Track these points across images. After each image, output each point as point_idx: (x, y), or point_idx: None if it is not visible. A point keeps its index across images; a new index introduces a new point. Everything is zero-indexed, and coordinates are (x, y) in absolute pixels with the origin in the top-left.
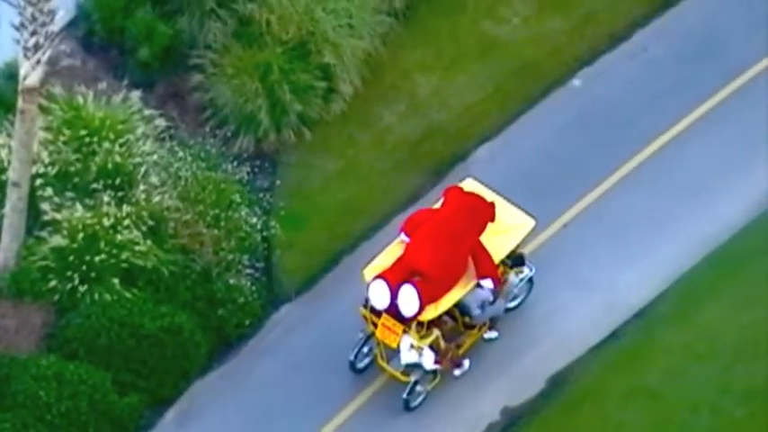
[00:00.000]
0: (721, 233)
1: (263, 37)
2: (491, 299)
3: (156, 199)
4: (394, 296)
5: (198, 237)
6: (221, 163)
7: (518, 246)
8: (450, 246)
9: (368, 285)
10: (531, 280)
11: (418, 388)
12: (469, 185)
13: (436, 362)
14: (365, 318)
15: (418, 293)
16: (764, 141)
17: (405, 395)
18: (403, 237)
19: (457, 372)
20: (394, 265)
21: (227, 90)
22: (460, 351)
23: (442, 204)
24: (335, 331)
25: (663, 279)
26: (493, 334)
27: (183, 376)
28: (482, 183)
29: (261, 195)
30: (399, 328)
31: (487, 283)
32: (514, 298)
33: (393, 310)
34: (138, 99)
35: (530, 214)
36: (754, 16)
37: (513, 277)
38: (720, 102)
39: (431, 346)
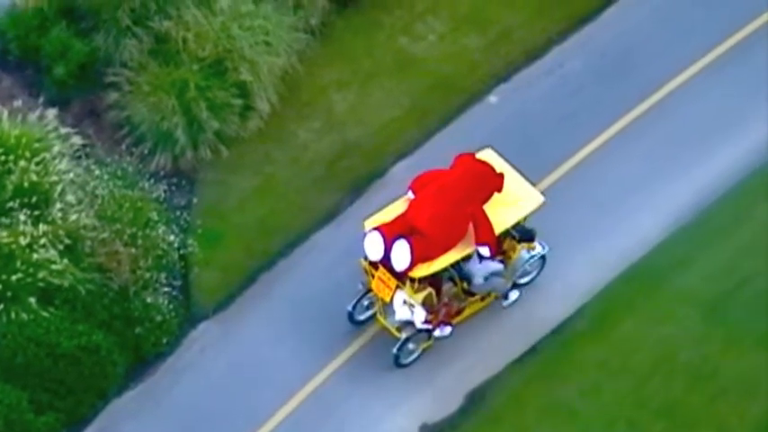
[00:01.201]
0: (637, 248)
1: (180, 54)
2: (495, 271)
3: (73, 218)
4: (388, 249)
5: (115, 255)
6: (138, 181)
7: (524, 219)
8: (452, 208)
9: (364, 236)
10: (543, 258)
11: (410, 345)
12: (486, 155)
13: (427, 321)
14: (365, 270)
15: (411, 249)
16: (680, 156)
17: (395, 350)
18: (409, 194)
19: (437, 332)
20: (394, 219)
21: (143, 108)
22: (458, 318)
23: (451, 168)
24: (253, 348)
25: (580, 294)
26: (514, 295)
27: (101, 395)
28: (500, 155)
29: (178, 213)
30: (393, 282)
31: (484, 251)
32: (526, 274)
33: (389, 264)
34: (55, 117)
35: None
36: (669, 33)
37: (524, 253)
38: (637, 117)
39: (424, 305)
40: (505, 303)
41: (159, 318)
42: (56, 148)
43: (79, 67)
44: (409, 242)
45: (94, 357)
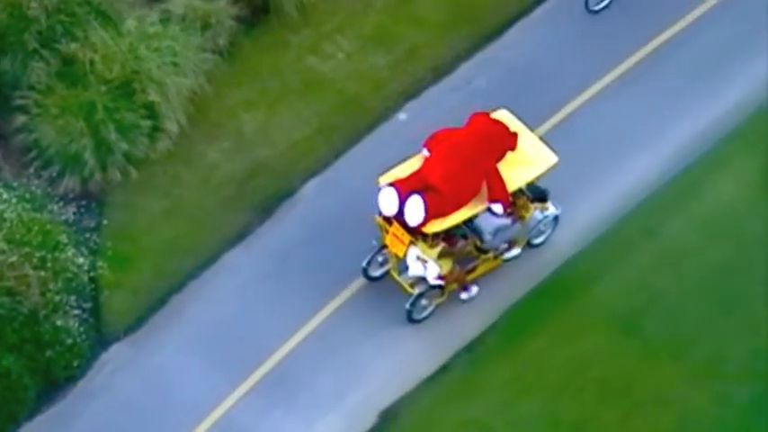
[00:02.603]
0: (549, 263)
1: (87, 76)
2: (506, 225)
3: None
4: (402, 205)
5: (24, 278)
6: (47, 204)
7: (538, 178)
8: (465, 166)
9: (379, 191)
10: (556, 218)
11: (423, 302)
12: (501, 115)
13: (440, 277)
14: (379, 226)
15: (425, 205)
16: (591, 171)
17: (407, 306)
18: (424, 152)
19: (464, 295)
20: (409, 175)
21: (51, 130)
22: (471, 276)
23: (466, 126)
24: (165, 370)
25: (492, 311)
26: (515, 251)
27: (11, 419)
28: (516, 115)
29: (87, 236)
30: (407, 238)
31: (497, 208)
32: (540, 234)
33: (402, 220)
34: None
35: (554, 151)
36: (573, 52)
37: (537, 213)
38: (544, 134)
39: (439, 259)
40: (507, 256)
41: (70, 341)
42: None
43: None
44: (423, 198)
45: (5, 381)
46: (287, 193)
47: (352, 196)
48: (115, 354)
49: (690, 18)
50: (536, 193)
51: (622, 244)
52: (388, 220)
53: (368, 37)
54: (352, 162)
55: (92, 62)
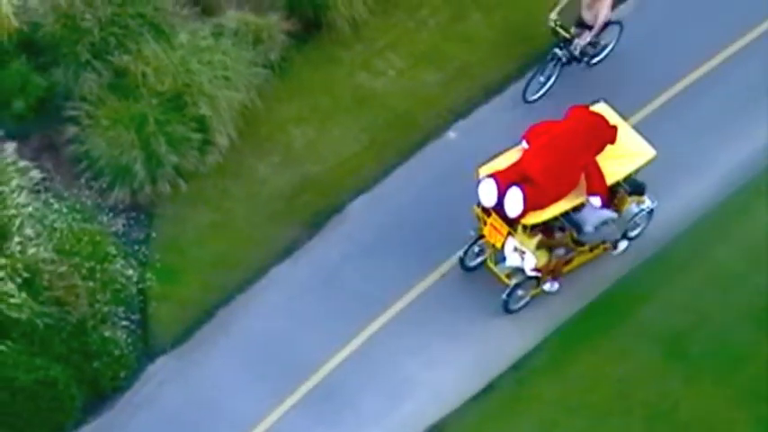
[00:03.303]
0: (599, 283)
1: (139, 89)
2: (611, 218)
3: (31, 251)
4: (501, 196)
5: (73, 289)
6: (97, 215)
7: (635, 172)
8: (564, 158)
9: (478, 183)
10: (651, 211)
11: (519, 292)
12: (600, 108)
13: (536, 269)
14: (478, 217)
15: (524, 196)
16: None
17: (504, 296)
18: (523, 144)
19: (547, 286)
20: (508, 167)
21: (102, 142)
22: (567, 268)
23: (565, 119)
24: (211, 383)
25: (539, 330)
26: (623, 244)
27: (58, 429)
28: (614, 108)
29: (136, 247)
30: (505, 229)
31: (595, 201)
32: (634, 227)
33: (501, 212)
34: (13, 151)
35: (652, 145)
36: (625, 72)
37: (633, 206)
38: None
39: (537, 250)
40: (615, 253)
41: (117, 352)
42: (14, 182)
43: (38, 101)
44: (522, 190)
45: (52, 391)
46: (335, 209)
47: (401, 213)
48: (162, 366)
49: (742, 42)
50: (633, 186)
51: (671, 266)
52: (486, 210)
53: (419, 54)
54: (401, 179)
55: (144, 74)
